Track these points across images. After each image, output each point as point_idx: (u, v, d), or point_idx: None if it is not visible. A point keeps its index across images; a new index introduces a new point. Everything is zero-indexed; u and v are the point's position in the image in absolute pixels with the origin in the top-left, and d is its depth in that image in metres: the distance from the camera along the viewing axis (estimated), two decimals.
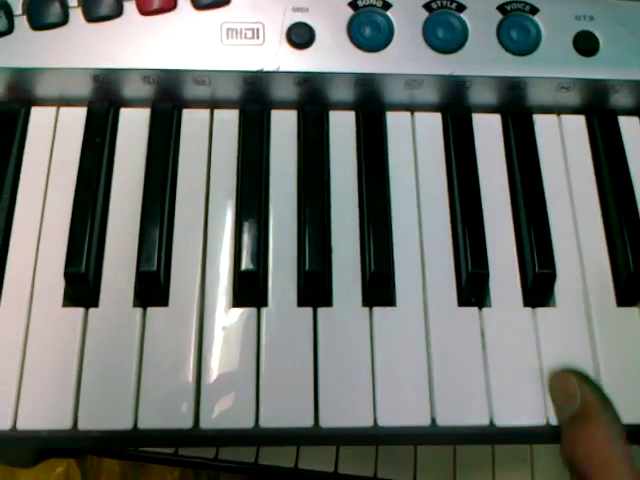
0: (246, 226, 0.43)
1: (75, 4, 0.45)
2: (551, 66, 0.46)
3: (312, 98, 0.47)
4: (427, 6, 0.46)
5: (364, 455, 0.70)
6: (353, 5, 0.46)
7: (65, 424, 0.40)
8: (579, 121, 0.49)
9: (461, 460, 0.72)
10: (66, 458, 0.85)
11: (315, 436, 0.41)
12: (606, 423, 0.38)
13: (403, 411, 0.41)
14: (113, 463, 0.91)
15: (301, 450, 0.74)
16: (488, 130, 0.48)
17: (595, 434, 0.37)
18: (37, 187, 0.45)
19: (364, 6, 0.46)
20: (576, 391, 0.39)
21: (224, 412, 0.40)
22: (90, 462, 0.90)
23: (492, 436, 0.42)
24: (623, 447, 0.37)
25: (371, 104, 0.48)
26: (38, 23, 0.45)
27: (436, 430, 0.41)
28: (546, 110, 0.49)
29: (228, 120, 0.47)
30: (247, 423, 0.40)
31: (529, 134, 0.47)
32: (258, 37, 0.45)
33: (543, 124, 0.49)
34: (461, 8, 0.46)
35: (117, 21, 0.45)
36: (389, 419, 0.41)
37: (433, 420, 0.41)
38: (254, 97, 0.47)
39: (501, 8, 0.47)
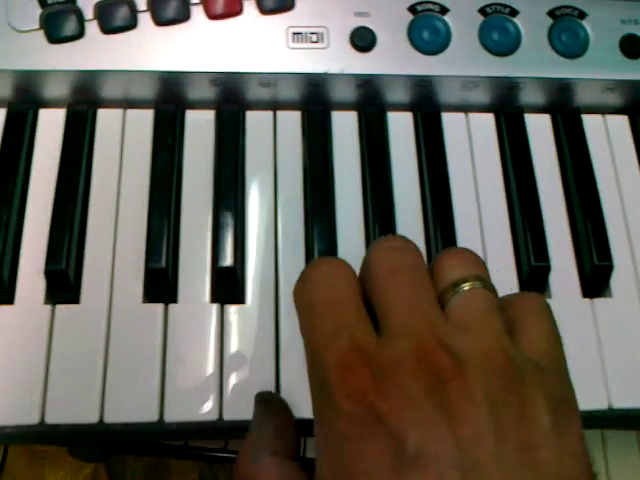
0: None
1: (144, 8, 0.46)
2: (599, 68, 0.49)
3: (371, 100, 0.49)
4: (482, 10, 0.48)
5: None
6: (412, 9, 0.48)
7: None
8: (622, 121, 0.51)
9: None
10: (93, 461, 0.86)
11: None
12: None
13: None
14: (137, 464, 0.91)
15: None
16: (539, 129, 0.50)
17: None
18: (109, 187, 0.46)
19: (422, 10, 0.48)
20: None
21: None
22: (115, 463, 0.91)
23: None
24: None
25: (428, 105, 0.49)
26: (108, 27, 0.46)
27: None
28: (591, 110, 0.51)
29: (291, 120, 0.49)
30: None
31: (579, 133, 0.50)
32: (323, 41, 0.47)
33: (589, 124, 0.51)
34: (514, 13, 0.49)
35: (185, 25, 0.46)
36: None
37: None
38: (315, 99, 0.49)
39: (551, 13, 0.49)
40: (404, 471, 0.23)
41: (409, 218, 0.47)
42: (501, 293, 0.45)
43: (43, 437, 0.47)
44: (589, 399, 0.43)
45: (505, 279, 0.46)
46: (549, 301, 0.44)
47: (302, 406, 0.38)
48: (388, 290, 0.27)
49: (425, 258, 0.45)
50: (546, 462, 0.24)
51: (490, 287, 0.29)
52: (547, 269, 0.45)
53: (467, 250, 0.31)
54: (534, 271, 0.45)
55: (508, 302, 0.30)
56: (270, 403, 0.34)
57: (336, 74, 0.47)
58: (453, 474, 0.23)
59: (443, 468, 0.23)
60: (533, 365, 0.26)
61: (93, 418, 0.41)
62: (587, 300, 0.46)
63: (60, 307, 0.43)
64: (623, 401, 0.44)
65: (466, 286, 0.28)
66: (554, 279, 0.46)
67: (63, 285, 0.43)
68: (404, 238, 0.30)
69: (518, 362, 0.26)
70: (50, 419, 0.41)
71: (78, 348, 0.42)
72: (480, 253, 0.46)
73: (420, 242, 0.46)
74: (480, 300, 0.28)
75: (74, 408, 0.41)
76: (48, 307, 0.43)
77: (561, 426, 0.25)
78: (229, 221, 0.45)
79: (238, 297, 0.44)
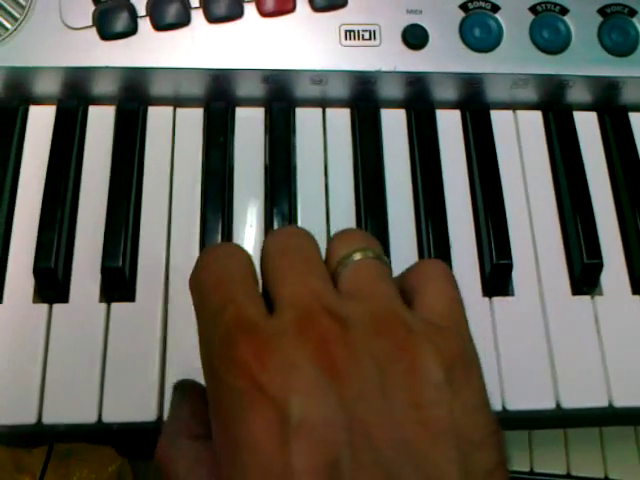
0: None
1: (197, 5, 0.46)
2: None
3: (419, 97, 0.49)
4: (533, 9, 0.48)
5: None
6: (464, 7, 0.48)
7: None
8: None
9: None
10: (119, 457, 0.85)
11: None
12: None
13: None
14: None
15: None
16: (586, 127, 0.50)
17: None
18: (162, 184, 0.46)
19: (474, 8, 0.48)
20: None
21: None
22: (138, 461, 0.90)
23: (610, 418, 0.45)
24: None
25: (477, 103, 0.49)
26: (161, 24, 0.45)
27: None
28: (637, 108, 0.51)
29: (341, 118, 0.49)
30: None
31: (627, 130, 0.50)
32: (375, 38, 0.47)
33: (636, 121, 0.51)
34: (564, 11, 0.49)
35: (238, 22, 0.46)
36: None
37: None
38: (364, 96, 0.49)
39: (601, 11, 0.49)
40: (290, 439, 0.22)
41: (460, 215, 0.47)
42: (551, 292, 0.46)
43: (94, 436, 0.47)
44: None
45: (556, 276, 0.46)
46: (599, 298, 0.46)
47: None
48: (277, 268, 0.27)
49: (476, 255, 0.46)
50: (439, 418, 0.23)
51: (382, 259, 0.28)
52: (600, 266, 0.45)
53: (357, 229, 0.30)
54: (587, 268, 0.45)
55: (408, 271, 0.29)
56: (186, 388, 0.34)
57: (388, 72, 0.47)
58: (339, 436, 0.22)
59: (328, 431, 0.22)
60: (426, 324, 0.25)
61: (151, 416, 0.41)
62: (637, 297, 0.46)
63: (115, 305, 0.43)
64: None
65: (356, 256, 0.27)
66: (604, 276, 0.46)
67: (119, 282, 0.43)
68: (297, 226, 0.30)
69: (409, 322, 0.25)
70: (107, 418, 0.41)
71: (134, 346, 0.42)
72: (530, 250, 0.46)
73: (471, 239, 0.46)
74: (368, 268, 0.27)
75: (131, 406, 0.41)
76: (103, 305, 0.43)
77: (457, 382, 0.24)
78: (281, 218, 0.45)
79: None
